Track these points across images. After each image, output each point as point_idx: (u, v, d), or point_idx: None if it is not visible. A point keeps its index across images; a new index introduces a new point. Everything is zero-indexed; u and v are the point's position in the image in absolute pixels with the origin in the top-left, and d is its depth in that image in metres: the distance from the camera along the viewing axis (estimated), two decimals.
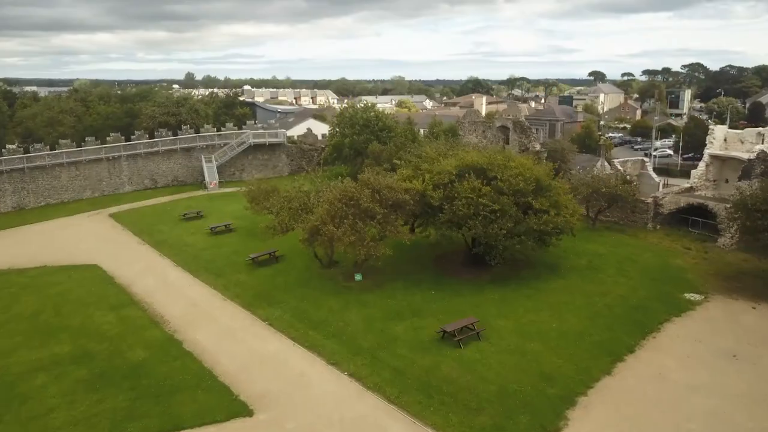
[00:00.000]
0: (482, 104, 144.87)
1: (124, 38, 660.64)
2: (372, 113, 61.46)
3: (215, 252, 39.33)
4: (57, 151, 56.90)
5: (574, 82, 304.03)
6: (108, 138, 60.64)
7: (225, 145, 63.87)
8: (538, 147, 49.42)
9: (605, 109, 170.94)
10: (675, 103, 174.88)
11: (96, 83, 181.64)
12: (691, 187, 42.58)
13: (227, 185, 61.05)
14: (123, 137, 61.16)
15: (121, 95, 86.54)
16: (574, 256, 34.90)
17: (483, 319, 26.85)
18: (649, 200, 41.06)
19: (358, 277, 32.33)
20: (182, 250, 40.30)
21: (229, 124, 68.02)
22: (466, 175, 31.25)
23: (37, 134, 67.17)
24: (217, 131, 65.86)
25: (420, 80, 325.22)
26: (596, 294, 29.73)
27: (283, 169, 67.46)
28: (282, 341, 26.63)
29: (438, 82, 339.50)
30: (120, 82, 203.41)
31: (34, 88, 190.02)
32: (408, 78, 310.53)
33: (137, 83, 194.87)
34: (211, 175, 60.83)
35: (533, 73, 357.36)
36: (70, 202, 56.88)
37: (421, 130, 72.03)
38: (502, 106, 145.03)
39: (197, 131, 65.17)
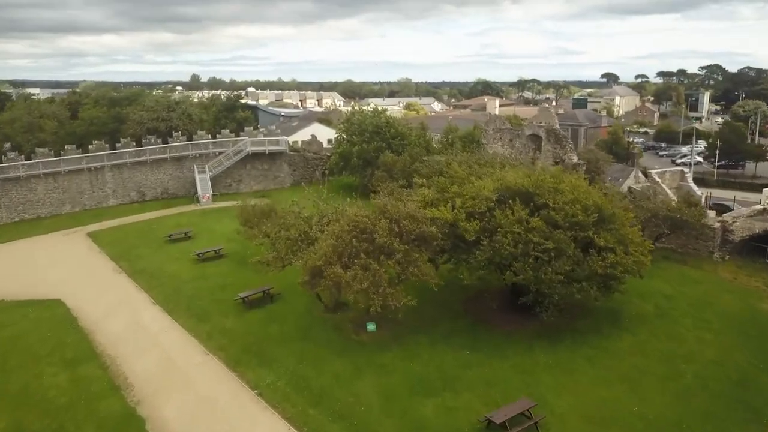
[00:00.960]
0: (495, 107, 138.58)
1: (132, 40, 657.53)
2: (382, 118, 55.64)
3: (200, 285, 33.24)
4: (33, 160, 51.11)
5: (581, 84, 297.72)
6: (90, 146, 54.73)
7: (220, 153, 57.69)
8: (575, 159, 42.92)
9: (621, 112, 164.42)
10: (694, 105, 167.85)
11: (102, 84, 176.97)
12: (765, 209, 36.03)
13: (222, 198, 54.87)
14: (107, 145, 55.27)
15: (110, 98, 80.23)
16: (637, 299, 28.31)
17: (537, 393, 20.43)
18: (717, 225, 34.50)
19: (370, 327, 25.97)
20: (163, 281, 34.32)
21: (226, 131, 61.68)
22: (509, 201, 24.78)
23: (15, 141, 61.34)
24: (212, 138, 59.77)
25: (426, 82, 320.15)
26: (679, 358, 23.12)
27: (284, 180, 61.24)
28: (274, 423, 20.46)
29: (444, 84, 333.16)
30: (126, 84, 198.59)
31: (37, 90, 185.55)
32: (414, 80, 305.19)
33: (143, 85, 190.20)
34: (204, 187, 54.54)
35: (540, 75, 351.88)
36: (47, 218, 51.14)
37: (434, 136, 65.88)
38: (524, 110, 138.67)
39: (190, 138, 59.14)
